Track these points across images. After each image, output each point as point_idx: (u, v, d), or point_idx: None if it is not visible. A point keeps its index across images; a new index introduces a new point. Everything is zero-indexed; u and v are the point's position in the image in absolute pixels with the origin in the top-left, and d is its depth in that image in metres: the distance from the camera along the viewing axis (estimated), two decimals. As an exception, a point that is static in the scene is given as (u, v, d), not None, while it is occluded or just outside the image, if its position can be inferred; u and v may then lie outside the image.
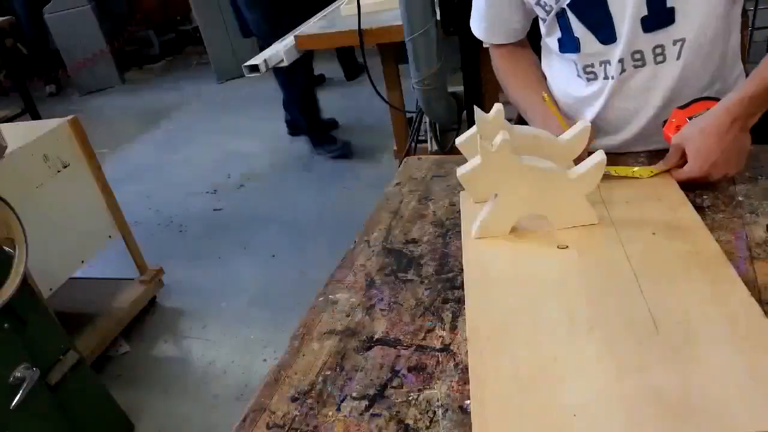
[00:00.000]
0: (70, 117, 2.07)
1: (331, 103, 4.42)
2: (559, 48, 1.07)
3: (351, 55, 4.50)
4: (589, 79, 1.06)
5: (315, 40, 2.24)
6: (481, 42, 1.18)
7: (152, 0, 6.23)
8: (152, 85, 5.78)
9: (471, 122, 2.18)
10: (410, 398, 0.66)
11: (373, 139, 3.62)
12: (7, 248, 1.42)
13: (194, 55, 6.31)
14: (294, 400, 0.69)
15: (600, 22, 0.97)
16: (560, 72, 1.13)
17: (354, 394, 0.68)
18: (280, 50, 2.21)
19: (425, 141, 2.52)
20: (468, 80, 2.09)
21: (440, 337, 0.74)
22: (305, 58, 3.20)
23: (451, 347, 0.72)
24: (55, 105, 5.57)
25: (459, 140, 0.94)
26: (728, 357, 0.61)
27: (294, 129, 3.90)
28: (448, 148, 2.46)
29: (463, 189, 1.04)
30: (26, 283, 1.47)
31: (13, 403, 1.36)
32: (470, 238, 0.89)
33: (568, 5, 0.99)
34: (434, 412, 0.64)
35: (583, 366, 0.64)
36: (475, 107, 0.88)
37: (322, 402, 0.68)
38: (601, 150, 0.84)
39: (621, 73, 1.00)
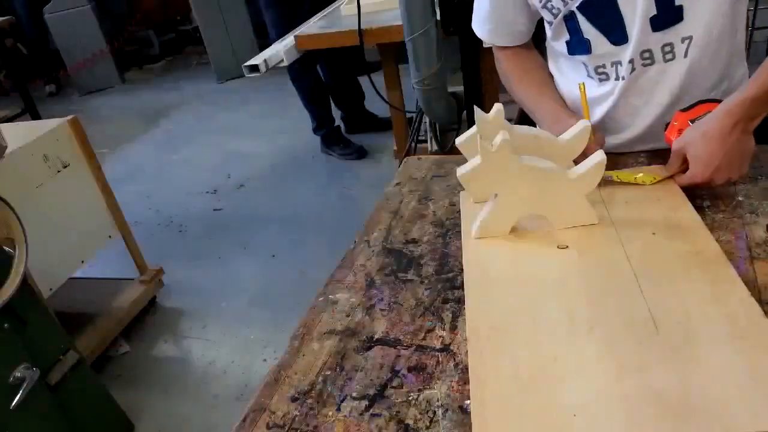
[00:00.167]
0: (70, 117, 2.07)
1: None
2: (568, 50, 1.06)
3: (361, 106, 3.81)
4: (601, 80, 1.05)
5: (315, 40, 2.24)
6: (481, 42, 1.18)
7: (152, 0, 6.23)
8: (152, 85, 5.78)
9: (471, 122, 2.18)
10: (410, 398, 0.66)
11: (373, 139, 3.62)
12: (7, 248, 1.42)
13: (194, 55, 6.31)
14: (294, 400, 0.69)
15: (611, 23, 0.97)
16: (569, 74, 1.12)
17: (354, 394, 0.68)
18: (280, 50, 2.21)
19: (425, 141, 2.52)
20: (468, 80, 2.10)
21: (440, 337, 0.74)
22: (307, 62, 3.20)
23: (451, 347, 0.72)
24: (55, 105, 5.57)
25: (459, 140, 0.94)
26: (728, 357, 0.61)
27: (349, 127, 3.73)
28: (448, 148, 2.46)
29: (463, 189, 1.04)
30: (26, 283, 1.47)
31: (13, 403, 1.36)
32: (470, 238, 0.89)
33: (577, 8, 0.98)
34: (434, 412, 0.64)
35: (583, 366, 0.64)
36: (475, 107, 0.88)
37: (322, 402, 0.68)
38: (601, 150, 0.84)
39: (631, 73, 1.00)
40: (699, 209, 0.87)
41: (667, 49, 0.97)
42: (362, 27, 2.06)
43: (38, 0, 5.35)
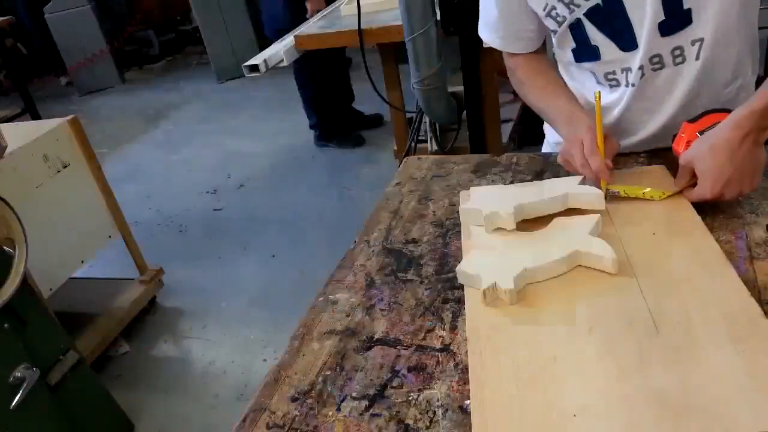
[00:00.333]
0: (69, 117, 2.07)
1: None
2: (575, 58, 1.04)
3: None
4: (611, 86, 1.04)
5: (315, 40, 2.24)
6: (481, 42, 1.16)
7: (152, 0, 6.23)
8: (152, 85, 5.78)
9: (471, 122, 2.18)
10: (410, 398, 0.66)
11: (373, 139, 3.63)
12: (7, 248, 1.42)
13: (194, 55, 6.31)
14: (294, 400, 0.69)
15: (620, 30, 0.95)
16: (578, 81, 1.11)
17: (354, 394, 0.68)
18: (280, 50, 2.22)
19: (425, 141, 2.52)
20: (468, 80, 2.10)
21: (440, 337, 0.74)
22: (309, 63, 3.21)
23: (451, 347, 0.72)
24: (55, 105, 5.57)
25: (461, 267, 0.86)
26: (728, 357, 0.61)
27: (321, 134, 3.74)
28: (448, 148, 2.46)
29: (463, 189, 1.04)
30: (26, 283, 1.47)
31: (13, 403, 1.36)
32: (469, 239, 0.89)
33: (584, 15, 0.96)
34: (434, 412, 0.64)
35: (583, 366, 0.64)
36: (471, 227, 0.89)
37: (322, 402, 0.68)
38: (601, 195, 0.86)
39: (641, 78, 0.98)
40: (699, 209, 0.86)
41: (677, 52, 0.95)
42: (362, 27, 2.06)
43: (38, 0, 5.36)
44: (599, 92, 0.91)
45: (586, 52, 1.02)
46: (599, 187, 0.89)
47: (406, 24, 1.92)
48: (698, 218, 0.84)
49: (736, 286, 0.70)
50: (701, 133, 0.89)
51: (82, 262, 2.08)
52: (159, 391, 2.06)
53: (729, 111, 0.86)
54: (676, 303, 0.69)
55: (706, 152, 0.84)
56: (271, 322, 2.27)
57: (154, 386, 2.09)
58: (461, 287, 0.81)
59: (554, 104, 1.04)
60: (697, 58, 0.95)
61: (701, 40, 0.93)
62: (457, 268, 0.81)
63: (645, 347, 0.64)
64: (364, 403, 0.67)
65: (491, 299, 0.76)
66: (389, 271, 0.88)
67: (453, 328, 0.75)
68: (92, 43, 5.60)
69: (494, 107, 2.34)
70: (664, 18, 0.91)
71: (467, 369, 0.67)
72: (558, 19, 0.99)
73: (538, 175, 1.06)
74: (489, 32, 1.11)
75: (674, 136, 0.94)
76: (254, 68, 2.13)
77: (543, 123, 1.21)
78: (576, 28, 0.99)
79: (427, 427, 0.62)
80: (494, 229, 0.87)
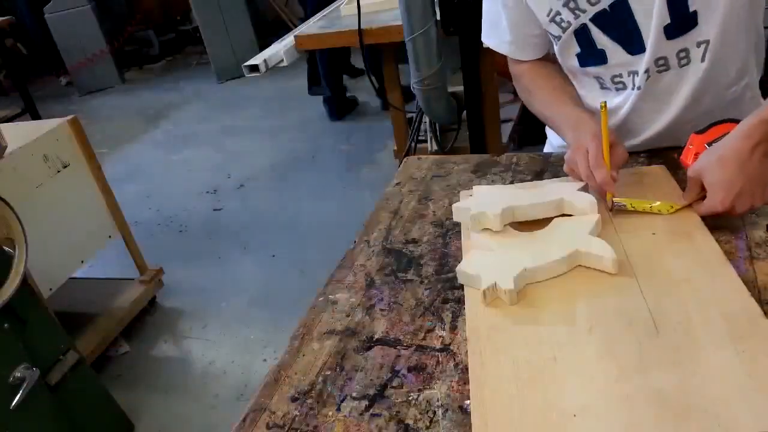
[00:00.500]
0: (69, 117, 2.07)
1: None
2: (579, 63, 1.03)
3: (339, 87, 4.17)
4: (618, 89, 1.03)
5: (315, 40, 2.24)
6: (481, 42, 1.16)
7: (152, 0, 6.23)
8: (152, 85, 5.78)
9: (471, 122, 2.18)
10: (410, 398, 0.66)
11: (373, 139, 3.63)
12: (7, 248, 1.42)
13: (194, 55, 6.31)
14: (294, 400, 0.69)
15: (628, 33, 0.94)
16: (580, 86, 1.09)
17: (354, 394, 0.68)
18: (280, 50, 2.22)
19: (425, 141, 2.52)
20: (468, 80, 2.10)
21: (440, 337, 0.74)
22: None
23: (451, 347, 0.72)
24: (55, 105, 5.58)
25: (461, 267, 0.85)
26: (728, 357, 0.61)
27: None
28: (448, 148, 2.46)
29: (463, 189, 1.04)
30: (26, 283, 1.47)
31: (13, 403, 1.36)
32: (470, 239, 0.89)
33: (590, 19, 0.95)
34: (434, 412, 0.64)
35: (583, 366, 0.64)
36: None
37: (322, 402, 0.68)
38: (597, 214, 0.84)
39: (646, 80, 0.98)
40: (699, 210, 0.86)
41: (682, 54, 0.94)
42: (362, 27, 2.06)
43: (39, -1, 5.37)
44: (605, 102, 0.88)
45: (591, 57, 1.00)
46: (604, 198, 0.88)
47: (406, 24, 1.92)
48: (698, 218, 0.84)
49: (736, 286, 0.70)
50: (709, 144, 0.86)
51: (82, 262, 2.08)
52: (159, 391, 2.06)
53: (737, 121, 0.84)
54: (676, 303, 0.69)
55: (714, 164, 0.81)
56: (271, 322, 2.27)
57: (154, 386, 2.09)
58: (461, 287, 0.81)
59: (560, 111, 1.01)
60: (703, 59, 0.94)
61: (707, 41, 0.93)
62: (457, 268, 0.81)
63: (645, 347, 0.64)
64: (364, 403, 0.67)
65: (491, 299, 0.76)
66: (389, 271, 0.88)
67: (453, 328, 0.75)
68: (92, 43, 5.60)
69: (494, 107, 2.34)
70: (669, 21, 0.90)
71: (467, 369, 0.67)
72: (563, 24, 0.98)
73: (538, 175, 1.06)
74: (497, 39, 1.09)
75: (682, 148, 0.92)
76: (254, 68, 2.13)
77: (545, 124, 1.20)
78: (581, 33, 0.98)
79: (427, 427, 0.62)
80: (482, 228, 0.87)
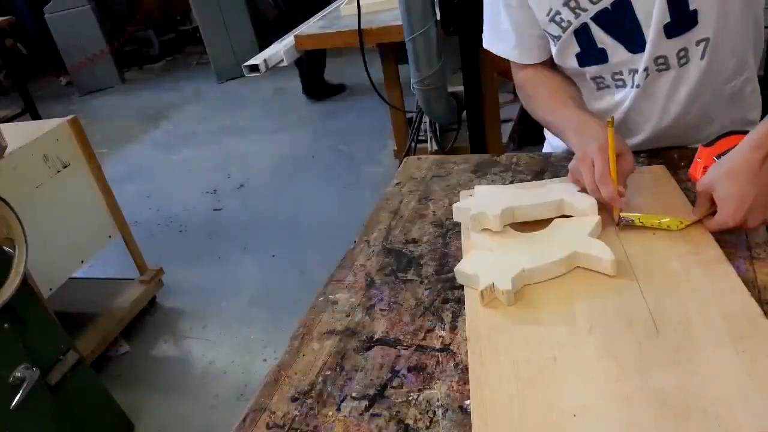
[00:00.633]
0: (69, 117, 2.07)
1: (329, 103, 4.43)
2: (579, 62, 1.02)
3: (318, 72, 4.45)
4: (617, 86, 1.03)
5: (315, 40, 2.24)
6: (481, 42, 1.16)
7: (152, 0, 6.23)
8: (152, 85, 5.78)
9: (471, 122, 2.18)
10: (410, 398, 0.66)
11: (373, 139, 3.62)
12: (7, 248, 1.42)
13: (194, 55, 6.31)
14: (294, 400, 0.69)
15: (629, 32, 0.94)
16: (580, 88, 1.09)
17: (354, 394, 0.68)
18: (280, 50, 2.22)
19: (425, 141, 2.52)
20: (468, 80, 2.10)
21: (440, 337, 0.74)
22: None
23: (451, 347, 0.72)
24: (55, 105, 5.57)
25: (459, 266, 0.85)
26: (728, 357, 0.61)
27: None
28: (448, 148, 2.46)
29: (463, 189, 1.04)
30: (26, 283, 1.47)
31: (13, 403, 1.36)
32: (469, 239, 0.89)
33: (591, 18, 0.95)
34: (434, 412, 0.64)
35: (583, 366, 0.64)
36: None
37: (322, 402, 0.68)
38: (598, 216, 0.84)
39: (645, 78, 0.97)
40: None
41: (682, 53, 0.94)
42: (362, 27, 2.06)
43: (39, -1, 5.36)
44: (612, 118, 0.85)
45: (592, 56, 1.00)
46: (611, 214, 0.86)
47: (406, 24, 1.93)
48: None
49: (736, 286, 0.70)
50: (718, 157, 0.85)
51: (82, 262, 2.08)
52: (159, 391, 2.06)
53: (746, 132, 0.82)
54: (676, 303, 0.69)
55: (724, 176, 0.79)
56: (271, 322, 2.27)
57: (154, 386, 2.09)
58: (461, 287, 0.81)
59: (562, 114, 0.99)
60: (702, 57, 0.94)
61: (706, 39, 0.92)
62: (456, 268, 0.81)
63: (645, 347, 0.64)
64: (364, 403, 0.67)
65: (489, 299, 0.76)
66: (389, 271, 0.88)
67: (453, 328, 0.75)
68: (92, 43, 5.60)
69: (494, 107, 2.34)
70: (669, 20, 0.90)
71: (467, 369, 0.67)
72: (563, 24, 0.97)
73: (538, 175, 1.06)
74: (501, 43, 1.08)
75: (690, 161, 0.91)
76: (254, 68, 2.13)
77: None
78: (581, 33, 0.97)
79: (427, 427, 0.62)
80: (482, 229, 0.87)
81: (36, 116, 4.30)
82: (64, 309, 2.06)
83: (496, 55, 1.13)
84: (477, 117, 2.17)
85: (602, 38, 0.97)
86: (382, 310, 0.81)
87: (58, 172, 1.99)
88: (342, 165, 3.48)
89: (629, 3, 0.91)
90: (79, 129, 2.07)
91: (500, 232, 0.85)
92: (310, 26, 2.38)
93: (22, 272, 1.41)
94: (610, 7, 0.92)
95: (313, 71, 4.36)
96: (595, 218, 0.84)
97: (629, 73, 1.00)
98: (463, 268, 0.80)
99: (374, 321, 0.79)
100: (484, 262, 0.80)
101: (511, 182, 1.05)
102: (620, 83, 1.02)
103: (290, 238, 2.83)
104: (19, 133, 1.94)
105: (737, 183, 0.77)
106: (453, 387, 0.66)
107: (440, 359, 0.70)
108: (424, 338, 0.74)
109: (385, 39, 2.15)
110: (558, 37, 1.00)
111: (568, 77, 1.09)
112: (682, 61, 0.95)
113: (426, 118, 2.40)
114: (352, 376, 0.71)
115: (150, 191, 3.55)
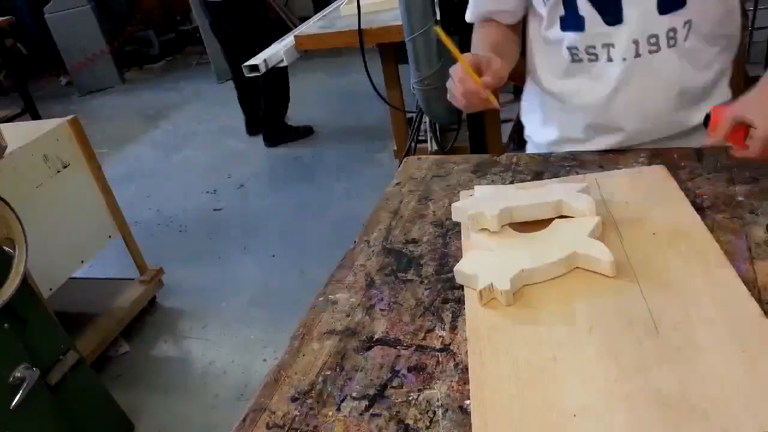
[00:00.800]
0: (69, 117, 2.07)
1: (329, 103, 4.43)
2: (561, 26, 1.04)
3: (278, 113, 3.84)
4: (590, 60, 1.04)
5: (315, 40, 2.25)
6: None
7: (152, 0, 6.23)
8: (152, 85, 5.78)
9: (471, 122, 2.18)
10: (410, 398, 0.66)
11: (373, 139, 3.63)
12: (7, 248, 1.42)
13: (194, 55, 6.31)
14: (294, 400, 0.69)
15: (606, 3, 0.96)
16: (555, 58, 1.10)
17: (354, 394, 0.68)
18: (280, 50, 2.22)
19: (425, 141, 2.52)
20: (468, 80, 2.09)
21: (440, 337, 0.74)
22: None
23: (451, 347, 0.72)
24: (55, 105, 5.58)
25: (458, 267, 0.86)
26: (728, 357, 0.61)
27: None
28: (448, 148, 2.46)
29: (463, 189, 1.05)
30: (26, 283, 1.47)
31: (13, 403, 1.36)
32: (469, 239, 0.89)
33: None
34: (434, 412, 0.64)
35: (583, 366, 0.64)
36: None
37: (322, 402, 0.68)
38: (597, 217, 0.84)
39: (635, 57, 0.99)
40: (699, 209, 0.86)
41: (671, 34, 0.96)
42: (362, 27, 2.06)
43: (39, -1, 5.37)
44: (438, 20, 0.95)
45: (572, 22, 1.02)
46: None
47: (406, 24, 1.93)
48: (698, 218, 0.84)
49: (736, 286, 0.70)
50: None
51: (82, 262, 2.08)
52: (159, 391, 2.06)
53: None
54: (676, 303, 0.69)
55: (758, 100, 0.77)
56: (271, 322, 2.27)
57: (154, 386, 2.09)
58: (461, 287, 0.81)
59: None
60: (686, 39, 0.97)
61: (689, 21, 0.95)
62: (455, 268, 0.81)
63: (645, 347, 0.64)
64: (364, 403, 0.67)
65: (487, 299, 0.76)
66: (389, 271, 0.88)
67: (453, 328, 0.75)
68: (92, 43, 5.60)
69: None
70: None
71: (467, 369, 0.67)
72: None
73: (538, 175, 1.06)
74: (473, 5, 1.14)
75: (706, 122, 0.89)
76: (254, 68, 2.13)
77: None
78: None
79: (427, 427, 0.62)
80: (480, 228, 0.87)
81: (36, 116, 4.30)
82: (64, 309, 2.06)
83: None
84: (477, 117, 2.17)
85: (583, 5, 0.99)
86: (382, 310, 0.81)
87: (58, 172, 1.99)
88: (342, 165, 3.48)
89: None
90: (79, 129, 2.08)
91: (500, 233, 0.85)
92: (310, 26, 2.38)
93: (22, 272, 1.41)
94: None
95: (272, 112, 3.77)
96: (595, 219, 0.84)
97: (603, 47, 1.01)
98: (463, 268, 0.80)
99: (374, 321, 0.79)
100: (484, 262, 0.80)
101: (511, 182, 1.05)
102: (593, 57, 1.03)
103: (290, 238, 2.83)
104: (19, 133, 1.94)
105: None
106: (453, 387, 0.66)
107: (440, 359, 0.70)
108: (424, 338, 0.74)
109: (385, 39, 2.15)
110: (546, 1, 1.03)
111: (514, 39, 1.13)
112: (671, 42, 0.97)
113: (426, 118, 2.40)
114: (352, 376, 0.71)
115: (150, 191, 3.55)
